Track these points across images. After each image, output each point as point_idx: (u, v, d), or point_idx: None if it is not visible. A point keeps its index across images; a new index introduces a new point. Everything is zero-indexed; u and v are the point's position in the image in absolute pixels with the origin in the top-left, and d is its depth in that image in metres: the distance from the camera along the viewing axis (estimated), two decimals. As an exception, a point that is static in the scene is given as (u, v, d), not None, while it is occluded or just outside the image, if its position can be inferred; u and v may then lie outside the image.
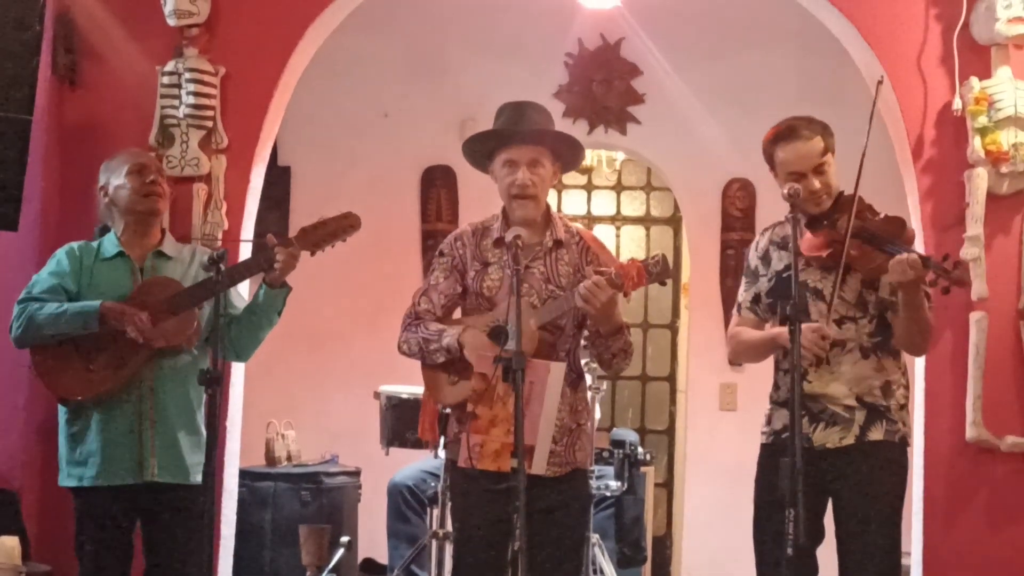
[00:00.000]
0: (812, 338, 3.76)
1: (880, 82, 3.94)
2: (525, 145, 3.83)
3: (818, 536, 3.92)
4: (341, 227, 4.07)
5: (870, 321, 3.91)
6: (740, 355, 4.27)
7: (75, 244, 4.22)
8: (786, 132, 3.95)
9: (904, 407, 3.95)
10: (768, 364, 4.12)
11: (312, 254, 4.08)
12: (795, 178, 3.90)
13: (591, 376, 5.22)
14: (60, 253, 4.19)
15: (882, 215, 3.93)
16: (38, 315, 4.00)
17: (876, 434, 3.87)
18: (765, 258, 4.09)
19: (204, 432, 4.07)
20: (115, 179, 4.19)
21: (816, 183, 3.90)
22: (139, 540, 4.15)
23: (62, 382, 4.03)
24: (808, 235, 3.95)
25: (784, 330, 3.81)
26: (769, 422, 4.04)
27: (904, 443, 3.94)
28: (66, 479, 4.09)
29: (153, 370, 4.06)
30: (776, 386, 4.05)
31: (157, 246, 4.22)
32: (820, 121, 3.98)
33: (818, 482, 3.79)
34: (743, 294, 4.15)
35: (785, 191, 3.75)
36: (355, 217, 4.09)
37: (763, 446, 4.07)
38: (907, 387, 3.98)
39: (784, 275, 3.97)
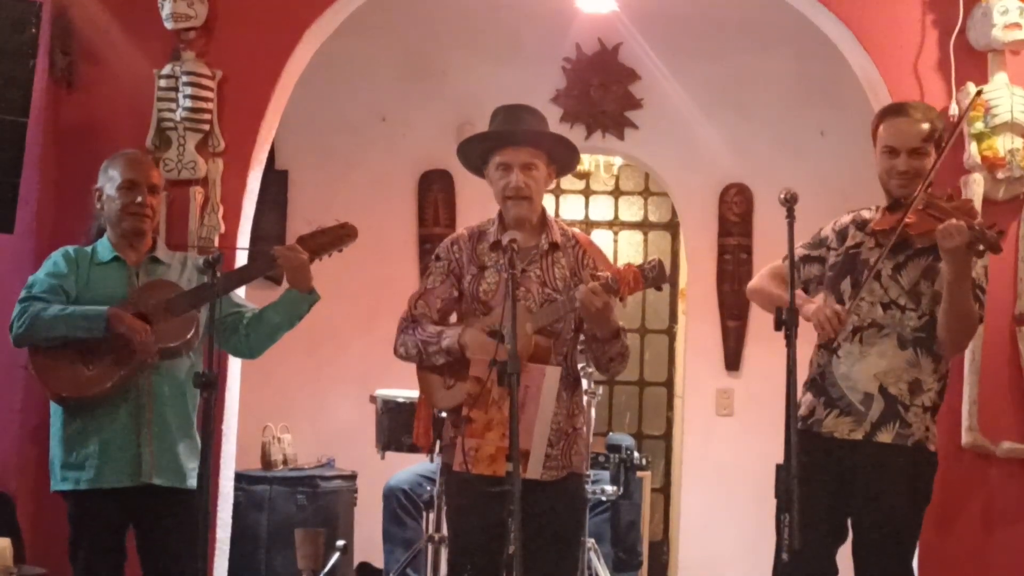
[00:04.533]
0: (829, 315, 3.75)
1: (979, 93, 3.86)
2: (519, 147, 3.83)
3: (840, 534, 3.90)
4: (338, 236, 4.12)
5: (920, 316, 3.85)
6: (756, 295, 4.16)
7: (70, 248, 4.20)
8: (895, 108, 3.96)
9: (930, 410, 3.88)
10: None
11: (310, 261, 4.09)
12: (888, 153, 3.87)
13: (587, 381, 5.22)
14: (56, 256, 4.17)
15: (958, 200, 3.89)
16: (43, 315, 3.97)
17: (886, 435, 3.83)
18: (841, 234, 4.01)
19: (199, 436, 4.06)
20: (109, 188, 4.17)
21: (905, 164, 3.85)
22: (132, 543, 4.14)
23: (60, 381, 4.00)
24: (885, 214, 3.91)
25: (811, 306, 3.84)
26: (798, 407, 3.95)
27: (920, 448, 3.85)
28: (60, 483, 4.06)
29: (151, 372, 4.05)
30: (810, 363, 4.00)
31: (150, 251, 4.21)
32: (937, 112, 3.98)
33: (835, 473, 3.78)
34: (799, 249, 4.04)
35: (781, 195, 3.69)
36: (352, 227, 4.13)
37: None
38: (941, 393, 3.91)
39: (852, 251, 3.95)
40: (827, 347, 3.88)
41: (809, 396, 3.96)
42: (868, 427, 3.84)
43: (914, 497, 3.89)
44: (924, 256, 3.87)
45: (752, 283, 4.22)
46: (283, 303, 4.17)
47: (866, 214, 4.03)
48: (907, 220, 3.78)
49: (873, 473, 3.83)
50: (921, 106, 3.97)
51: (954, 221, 3.65)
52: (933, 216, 3.77)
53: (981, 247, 3.69)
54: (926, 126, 3.87)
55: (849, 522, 3.92)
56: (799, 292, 4.00)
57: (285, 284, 4.21)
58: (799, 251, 4.08)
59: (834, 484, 3.83)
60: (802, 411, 3.98)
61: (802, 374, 4.02)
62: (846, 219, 4.07)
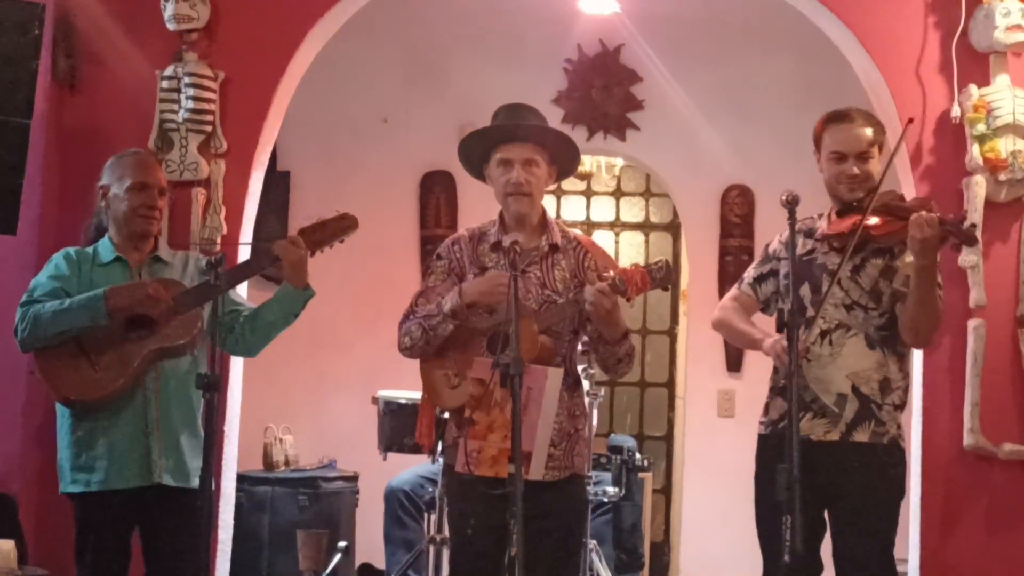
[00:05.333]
0: (779, 350, 3.83)
1: (910, 121, 3.91)
2: (521, 143, 3.84)
3: (820, 531, 3.91)
4: (340, 227, 4.11)
5: (881, 315, 3.91)
6: (721, 330, 4.26)
7: (71, 249, 4.20)
8: (839, 114, 4.00)
9: (899, 408, 3.94)
10: (768, 372, 4.12)
11: (312, 254, 4.10)
12: (836, 158, 3.93)
13: (588, 382, 5.23)
14: (57, 258, 4.17)
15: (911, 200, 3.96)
16: (43, 314, 3.97)
17: (862, 435, 3.87)
18: (789, 244, 4.06)
19: (203, 436, 4.06)
20: (116, 187, 4.16)
21: (855, 169, 3.92)
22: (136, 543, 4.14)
23: (68, 384, 3.99)
24: (835, 219, 3.97)
25: (768, 342, 3.92)
26: (767, 412, 4.05)
27: (894, 445, 3.92)
28: (70, 485, 4.05)
29: (157, 373, 4.05)
30: (775, 369, 4.04)
31: (152, 251, 4.21)
32: (877, 119, 4.03)
33: (810, 475, 3.80)
34: (750, 272, 4.19)
35: (783, 197, 3.74)
36: (353, 218, 4.12)
37: (760, 438, 4.07)
38: (906, 391, 3.98)
39: (805, 258, 4.00)
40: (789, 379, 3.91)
41: (779, 400, 3.99)
42: (844, 427, 3.88)
43: (895, 492, 3.94)
44: (881, 256, 3.94)
45: (716, 316, 4.25)
46: (278, 300, 4.16)
47: (811, 222, 4.09)
48: (868, 223, 3.82)
49: (852, 471, 3.86)
50: (863, 111, 4.04)
51: (925, 213, 3.70)
52: (895, 216, 3.83)
53: (956, 241, 3.76)
54: (870, 131, 3.96)
55: (827, 519, 3.95)
56: (751, 329, 4.09)
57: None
58: (751, 273, 4.19)
59: (811, 484, 3.83)
60: (773, 415, 4.02)
61: (762, 378, 4.08)
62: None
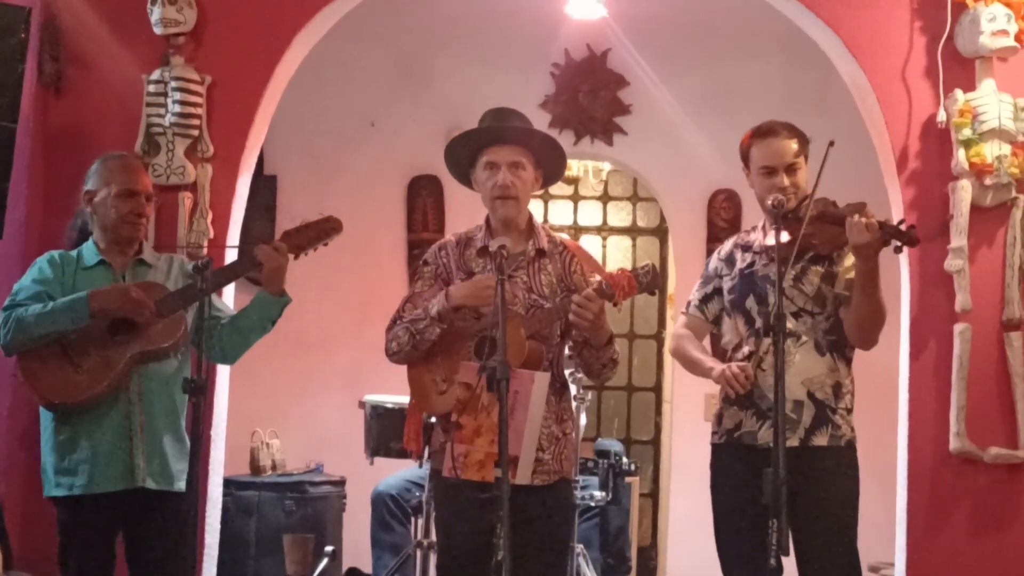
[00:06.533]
0: (735, 371, 3.89)
1: (831, 144, 3.91)
2: (507, 146, 3.84)
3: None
4: (323, 230, 4.11)
5: (827, 319, 3.97)
6: (678, 359, 4.34)
7: (55, 253, 4.18)
8: (764, 130, 4.06)
9: (850, 412, 4.01)
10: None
11: (296, 257, 4.10)
12: (766, 172, 3.99)
13: (576, 386, 5.23)
14: (41, 261, 4.15)
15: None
16: (25, 317, 3.95)
17: (820, 439, 3.92)
18: (729, 260, 4.16)
19: (187, 439, 4.05)
20: (103, 193, 4.14)
21: (785, 180, 3.97)
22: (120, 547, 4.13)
23: (50, 386, 3.97)
24: (771, 231, 4.01)
25: (718, 368, 3.99)
26: (720, 421, 4.08)
27: (851, 447, 3.99)
28: (54, 489, 4.03)
29: (140, 376, 4.03)
30: None
31: (137, 254, 4.20)
32: (800, 130, 4.07)
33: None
34: (694, 294, 4.26)
35: (770, 201, 3.78)
36: (337, 220, 4.13)
37: (714, 447, 4.10)
38: (853, 396, 4.03)
39: (746, 272, 4.06)
40: (748, 361, 3.94)
41: (734, 409, 4.03)
42: (803, 433, 3.93)
43: (855, 491, 3.99)
44: (820, 263, 4.00)
45: (671, 346, 4.36)
46: (254, 306, 4.15)
47: (747, 236, 4.17)
48: (805, 231, 3.84)
49: (813, 474, 3.89)
50: (786, 124, 4.09)
51: (862, 219, 3.75)
52: (829, 222, 3.88)
53: (899, 243, 3.80)
54: (795, 143, 4.02)
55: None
56: (702, 358, 4.17)
57: None
58: (696, 295, 4.26)
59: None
60: (728, 424, 4.05)
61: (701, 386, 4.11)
62: (727, 246, 4.22)
